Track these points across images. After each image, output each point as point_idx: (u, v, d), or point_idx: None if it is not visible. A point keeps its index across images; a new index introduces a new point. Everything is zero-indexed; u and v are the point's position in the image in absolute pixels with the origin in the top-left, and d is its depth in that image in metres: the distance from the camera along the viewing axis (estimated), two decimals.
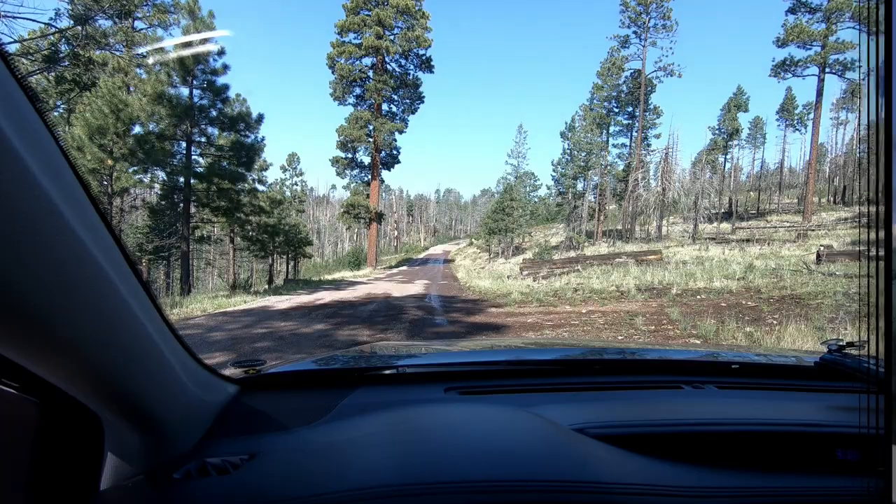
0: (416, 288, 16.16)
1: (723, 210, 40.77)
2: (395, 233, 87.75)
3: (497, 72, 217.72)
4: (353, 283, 19.25)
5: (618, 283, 12.29)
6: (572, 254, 27.20)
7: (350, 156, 35.85)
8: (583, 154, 32.25)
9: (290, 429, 0.76)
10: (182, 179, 13.18)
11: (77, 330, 0.45)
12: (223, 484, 0.59)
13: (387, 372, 1.00)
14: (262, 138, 16.51)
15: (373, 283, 19.21)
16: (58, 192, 0.41)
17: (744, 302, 8.74)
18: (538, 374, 1.06)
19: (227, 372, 0.90)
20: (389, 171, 37.45)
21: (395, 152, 36.72)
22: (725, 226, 35.72)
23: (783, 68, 32.04)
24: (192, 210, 13.76)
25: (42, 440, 0.55)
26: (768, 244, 21.70)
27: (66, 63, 14.40)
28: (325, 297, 12.85)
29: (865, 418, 0.70)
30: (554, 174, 34.89)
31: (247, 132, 13.73)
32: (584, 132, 32.46)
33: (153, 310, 0.58)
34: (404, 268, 36.05)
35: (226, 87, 13.38)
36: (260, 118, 13.95)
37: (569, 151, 32.84)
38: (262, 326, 7.35)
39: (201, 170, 13.46)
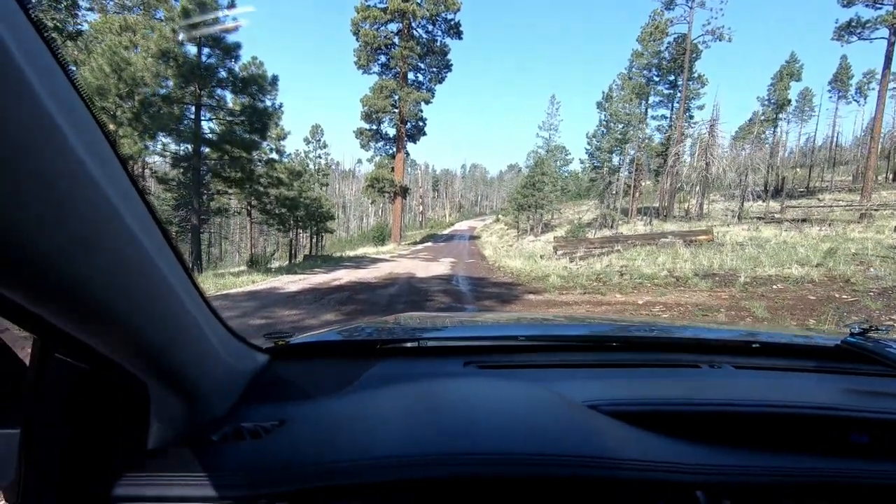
0: (442, 267, 15.04)
1: (768, 187, 38.07)
2: (421, 208, 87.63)
3: (529, 38, 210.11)
4: (375, 261, 18.26)
5: (669, 267, 10.86)
6: (607, 232, 25.56)
7: (374, 127, 34.56)
8: (620, 126, 30.15)
9: (316, 397, 0.79)
10: (191, 147, 12.21)
11: (126, 304, 0.49)
12: (257, 447, 0.65)
13: (408, 345, 1.02)
14: (280, 105, 15.42)
15: (396, 261, 18.19)
16: (97, 169, 0.42)
17: (837, 295, 7.27)
18: (556, 349, 1.05)
19: (258, 342, 0.92)
20: (415, 143, 36.10)
21: (420, 124, 35.24)
22: (773, 204, 33.24)
23: (848, 30, 28.98)
24: (204, 180, 12.87)
25: (95, 405, 0.60)
26: (829, 225, 19.66)
27: (44, 3, 13.37)
28: (343, 276, 11.83)
29: (884, 402, 0.76)
30: (588, 147, 32.89)
31: (261, 96, 12.59)
32: (621, 103, 30.27)
33: (189, 282, 0.61)
34: (429, 244, 35.01)
35: (237, 46, 12.23)
36: (275, 80, 12.77)
37: (605, 123, 30.76)
38: (261, 316, 6.32)
39: (212, 136, 12.45)
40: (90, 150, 0.41)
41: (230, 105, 12.65)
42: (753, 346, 1.07)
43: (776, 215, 28.74)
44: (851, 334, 0.98)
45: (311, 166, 36.05)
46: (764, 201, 34.34)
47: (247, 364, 0.83)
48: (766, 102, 40.42)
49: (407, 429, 0.66)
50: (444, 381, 0.84)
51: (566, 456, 0.60)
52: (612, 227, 28.22)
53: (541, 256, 16.67)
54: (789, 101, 40.07)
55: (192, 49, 11.82)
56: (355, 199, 79.65)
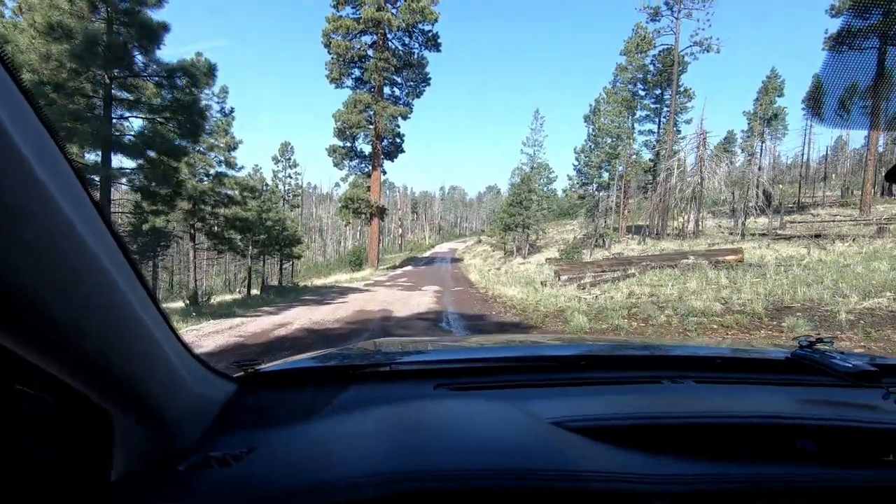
0: (426, 299, 12.40)
1: (758, 203, 36.72)
2: (400, 231, 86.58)
3: (507, 60, 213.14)
4: (345, 292, 15.51)
5: (720, 298, 8.46)
6: (604, 253, 23.34)
7: (348, 144, 32.10)
8: (608, 140, 28.35)
9: (287, 425, 0.78)
10: (101, 153, 9.44)
11: (90, 330, 0.48)
12: (226, 476, 0.63)
13: (381, 369, 1.03)
14: (231, 110, 12.86)
15: (370, 291, 15.48)
16: (54, 184, 0.41)
17: None
18: (524, 370, 1.07)
19: (227, 370, 0.92)
20: (392, 161, 33.68)
21: (398, 140, 32.95)
22: (767, 220, 31.71)
23: (838, 40, 28.01)
24: (117, 196, 10.13)
25: (57, 436, 0.59)
26: (853, 240, 17.80)
27: None
28: (295, 319, 9.03)
29: (828, 410, 0.83)
30: (576, 164, 31.01)
31: (193, 89, 9.94)
32: (610, 117, 28.55)
33: (154, 309, 0.60)
34: (409, 268, 32.36)
35: (164, 27, 9.60)
36: (212, 70, 10.06)
37: (593, 137, 28.95)
38: None
39: (129, 140, 9.70)
40: (40, 158, 0.39)
41: (151, 99, 9.92)
42: (717, 361, 1.11)
43: (779, 232, 27.08)
44: (800, 347, 1.02)
45: (281, 186, 33.25)
46: (756, 217, 32.98)
47: (215, 392, 0.82)
48: (751, 117, 39.48)
49: (378, 449, 0.67)
50: (415, 402, 0.85)
51: (528, 470, 0.62)
52: (605, 246, 26.08)
53: (542, 283, 14.19)
54: (776, 115, 39.20)
55: (100, 27, 9.16)
56: (333, 222, 76.74)
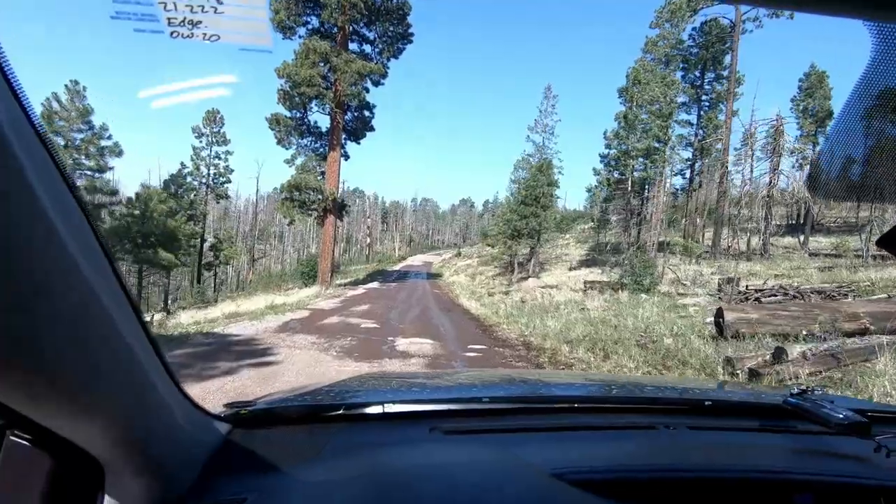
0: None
1: (806, 218, 29.90)
2: (368, 240, 79.35)
3: (489, 46, 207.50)
4: (232, 345, 7.01)
5: None
6: (684, 273, 15.42)
7: (298, 114, 23.52)
8: (653, 113, 20.72)
9: (278, 470, 0.77)
10: None
11: (82, 378, 0.45)
12: None
13: (373, 410, 0.99)
14: None
15: (286, 342, 7.04)
16: (54, 209, 0.38)
17: None
18: (519, 412, 1.07)
19: (218, 411, 0.89)
20: (359, 142, 25.23)
21: (367, 114, 24.61)
22: (824, 240, 24.77)
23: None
24: None
25: (41, 484, 0.54)
26: None
27: None
28: None
29: (822, 463, 0.86)
30: (604, 154, 23.23)
31: None
32: (656, 82, 20.94)
33: (150, 348, 0.57)
34: (374, 285, 23.91)
35: None
36: None
37: (631, 116, 21.25)
38: None
39: None
40: (41, 179, 0.36)
41: None
42: (706, 404, 1.11)
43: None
44: (791, 395, 1.01)
45: (204, 169, 24.23)
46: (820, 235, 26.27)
47: (208, 435, 0.80)
48: (800, 112, 32.98)
49: (367, 501, 0.66)
50: (408, 448, 0.85)
51: None
52: (694, 260, 18.34)
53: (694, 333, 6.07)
54: (831, 113, 32.83)
55: None
56: (295, 226, 67.19)
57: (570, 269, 27.52)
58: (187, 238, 21.11)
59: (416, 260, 57.93)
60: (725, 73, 27.82)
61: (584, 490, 0.71)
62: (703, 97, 28.10)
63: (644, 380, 3.02)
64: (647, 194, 21.70)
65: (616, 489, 0.72)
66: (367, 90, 23.47)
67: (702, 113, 28.13)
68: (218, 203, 28.26)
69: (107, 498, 0.56)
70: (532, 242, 21.57)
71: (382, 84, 24.13)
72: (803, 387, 1.05)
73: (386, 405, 1.00)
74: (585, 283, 15.03)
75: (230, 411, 0.93)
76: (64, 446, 0.50)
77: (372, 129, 25.08)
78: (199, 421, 0.78)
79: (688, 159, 27.65)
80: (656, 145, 20.37)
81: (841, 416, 0.84)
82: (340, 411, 0.97)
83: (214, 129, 24.94)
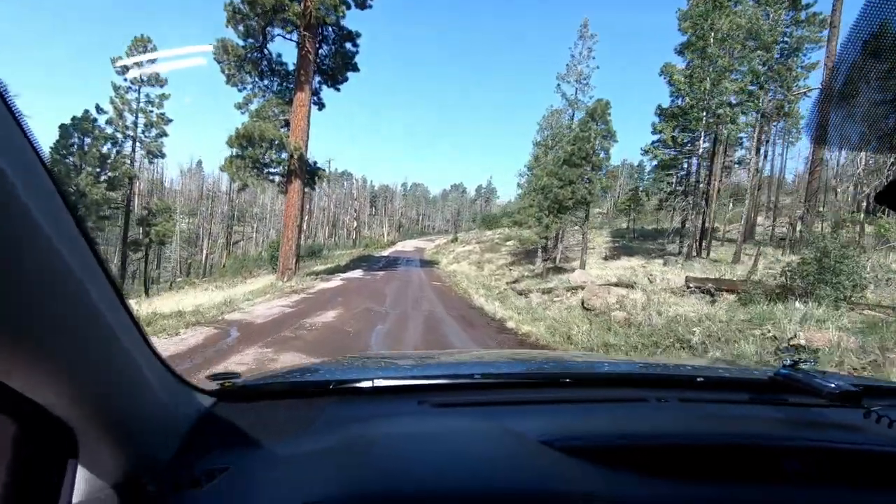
0: None
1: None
2: (355, 224, 73.87)
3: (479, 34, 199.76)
4: None
5: None
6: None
7: (255, 43, 17.40)
8: (745, 49, 14.97)
9: (263, 442, 0.75)
10: None
11: (55, 342, 0.44)
12: (198, 497, 0.62)
13: (362, 385, 0.98)
14: None
15: None
16: (27, 190, 0.38)
17: None
18: (510, 386, 1.06)
19: (203, 384, 0.87)
20: (338, 88, 19.09)
21: (349, 47, 18.52)
22: None
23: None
24: None
25: (12, 455, 0.53)
26: None
27: None
28: None
29: (811, 432, 0.85)
30: (663, 109, 17.37)
31: None
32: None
33: (127, 318, 0.57)
34: (356, 274, 18.10)
35: None
36: None
37: (705, 55, 15.40)
38: None
39: None
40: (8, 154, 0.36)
41: None
42: (698, 380, 1.09)
43: None
44: (783, 366, 1.00)
45: (129, 114, 17.95)
46: None
47: (190, 407, 0.78)
48: None
49: (357, 470, 0.65)
50: (397, 420, 0.84)
51: (519, 491, 0.61)
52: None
53: None
54: None
55: None
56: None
57: (605, 259, 21.94)
58: (96, 206, 14.94)
59: (407, 245, 52.12)
60: (804, 15, 22.12)
61: (572, 456, 0.70)
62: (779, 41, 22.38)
63: (637, 359, 3.07)
64: (724, 161, 15.95)
65: (604, 456, 0.71)
66: (344, 14, 17.29)
67: (773, 66, 22.43)
68: (151, 163, 21.89)
69: (79, 466, 0.54)
70: (578, 218, 15.67)
71: (371, 6, 18.03)
72: (795, 358, 1.02)
73: (376, 381, 0.97)
74: (688, 279, 9.38)
75: (215, 385, 0.89)
76: (32, 412, 0.48)
77: (356, 69, 18.96)
78: (181, 392, 0.76)
79: (752, 124, 21.99)
80: (752, 88, 14.59)
81: (832, 385, 0.82)
82: (330, 387, 0.94)
83: (141, 64, 18.57)
